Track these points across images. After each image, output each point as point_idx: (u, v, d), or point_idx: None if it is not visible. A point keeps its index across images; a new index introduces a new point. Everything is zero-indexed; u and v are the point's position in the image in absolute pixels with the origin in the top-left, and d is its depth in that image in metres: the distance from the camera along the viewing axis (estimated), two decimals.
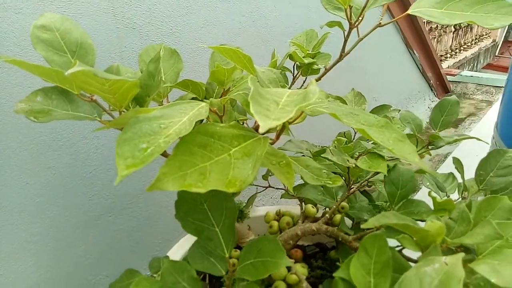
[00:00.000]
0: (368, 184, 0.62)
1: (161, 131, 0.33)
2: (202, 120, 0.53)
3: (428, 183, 0.58)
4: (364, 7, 0.41)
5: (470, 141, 0.54)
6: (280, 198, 0.67)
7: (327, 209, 0.58)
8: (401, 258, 0.39)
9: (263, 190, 0.66)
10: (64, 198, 0.71)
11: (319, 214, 0.59)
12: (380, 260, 0.35)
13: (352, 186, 0.56)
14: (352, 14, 0.44)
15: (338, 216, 0.56)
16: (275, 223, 0.58)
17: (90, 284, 0.79)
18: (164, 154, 0.44)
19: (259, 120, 0.25)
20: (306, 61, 0.52)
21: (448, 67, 3.64)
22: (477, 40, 4.63)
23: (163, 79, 0.56)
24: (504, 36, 5.44)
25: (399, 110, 0.67)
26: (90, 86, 0.36)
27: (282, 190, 0.66)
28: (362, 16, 0.42)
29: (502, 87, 1.02)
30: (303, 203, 0.59)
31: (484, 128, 1.85)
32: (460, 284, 0.27)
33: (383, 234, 0.36)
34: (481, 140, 0.50)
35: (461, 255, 0.31)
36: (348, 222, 0.57)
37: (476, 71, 4.59)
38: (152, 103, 0.55)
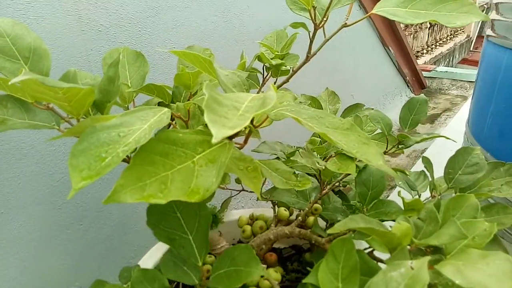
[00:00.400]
0: (343, 184, 0.61)
1: (120, 140, 0.32)
2: (169, 125, 0.52)
3: (400, 182, 0.58)
4: (328, 7, 0.41)
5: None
6: (256, 200, 0.67)
7: (301, 211, 0.57)
8: (371, 260, 0.39)
9: (236, 194, 0.66)
10: (30, 208, 0.68)
11: (294, 217, 0.59)
12: (348, 265, 0.35)
13: (325, 188, 0.55)
14: (317, 14, 0.44)
15: (311, 218, 0.56)
16: (248, 228, 0.57)
17: None
18: (127, 161, 0.43)
19: (212, 128, 0.24)
20: (274, 62, 0.52)
21: (424, 63, 3.71)
22: (452, 36, 4.74)
23: (129, 83, 0.55)
24: (478, 32, 5.58)
25: (372, 109, 0.67)
26: (42, 94, 0.34)
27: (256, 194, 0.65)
28: (326, 16, 0.42)
29: None
30: (276, 206, 0.58)
31: (458, 123, 1.89)
32: None
33: (351, 238, 0.36)
34: (449, 139, 0.51)
35: (427, 258, 0.31)
36: (322, 223, 0.57)
37: (452, 66, 4.69)
38: (118, 108, 0.54)
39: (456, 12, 0.41)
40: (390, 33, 2.02)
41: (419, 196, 0.57)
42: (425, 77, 2.56)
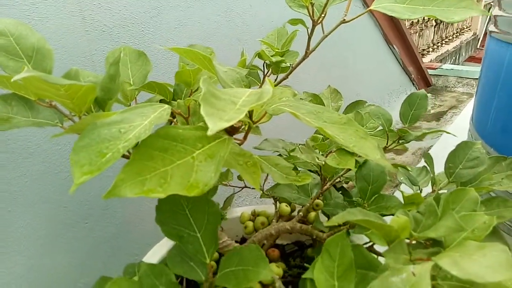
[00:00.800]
0: (346, 180, 0.62)
1: (121, 136, 0.32)
2: (171, 122, 0.53)
3: (402, 177, 0.58)
4: (326, 4, 0.41)
5: (451, 134, 0.54)
6: (260, 197, 0.67)
7: (302, 207, 0.58)
8: (370, 254, 0.39)
9: (239, 191, 0.66)
10: (37, 207, 0.69)
11: (296, 213, 0.59)
12: (343, 263, 0.35)
13: (327, 183, 0.56)
14: (316, 11, 0.44)
15: (313, 214, 0.56)
16: (250, 224, 0.57)
17: None
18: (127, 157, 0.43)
19: (208, 121, 0.25)
20: (274, 59, 0.52)
21: (430, 61, 3.68)
22: (458, 34, 4.69)
23: (131, 82, 0.56)
24: (485, 29, 5.52)
25: (374, 105, 0.67)
26: (45, 91, 0.35)
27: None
28: (324, 13, 0.42)
29: None
30: (277, 202, 0.59)
31: (464, 120, 1.87)
32: None
33: (345, 235, 0.36)
34: (449, 133, 0.51)
35: (431, 264, 0.30)
36: (324, 219, 0.57)
37: (458, 64, 4.65)
38: (120, 106, 0.55)
39: (454, 7, 0.42)
40: (394, 31, 2.02)
41: (421, 191, 0.57)
42: (430, 74, 2.55)
